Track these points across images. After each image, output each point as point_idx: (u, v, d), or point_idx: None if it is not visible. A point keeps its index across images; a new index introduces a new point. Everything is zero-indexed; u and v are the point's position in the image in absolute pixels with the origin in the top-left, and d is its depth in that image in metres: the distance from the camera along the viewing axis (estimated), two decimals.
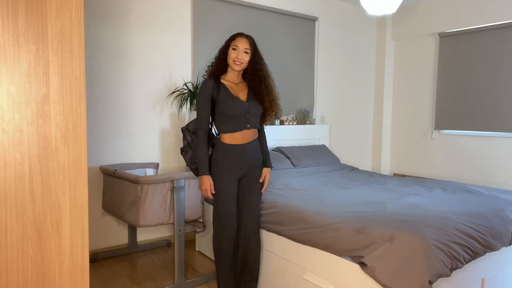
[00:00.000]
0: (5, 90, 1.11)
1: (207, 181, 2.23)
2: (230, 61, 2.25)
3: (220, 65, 2.30)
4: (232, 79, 2.32)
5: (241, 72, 2.33)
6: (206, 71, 2.37)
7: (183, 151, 2.39)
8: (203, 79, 2.36)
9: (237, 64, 2.23)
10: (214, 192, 2.27)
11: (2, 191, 1.12)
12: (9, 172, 1.13)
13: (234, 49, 2.24)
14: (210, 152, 2.31)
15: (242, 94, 2.31)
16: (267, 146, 2.47)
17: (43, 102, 1.16)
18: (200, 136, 2.23)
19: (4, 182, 1.12)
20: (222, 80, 2.31)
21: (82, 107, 1.23)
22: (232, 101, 2.24)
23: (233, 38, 2.28)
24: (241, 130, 2.26)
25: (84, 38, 1.21)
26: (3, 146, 1.11)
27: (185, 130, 2.38)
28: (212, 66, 2.33)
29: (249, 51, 2.25)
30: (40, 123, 1.16)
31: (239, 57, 2.22)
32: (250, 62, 2.28)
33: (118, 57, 3.30)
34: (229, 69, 2.31)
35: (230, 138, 2.27)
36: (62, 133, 1.20)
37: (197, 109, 2.26)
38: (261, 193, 2.43)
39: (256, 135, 2.38)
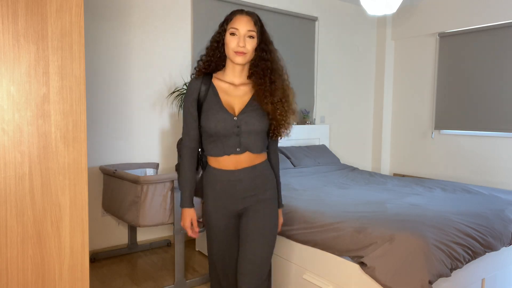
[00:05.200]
0: (5, 90, 1.11)
1: (188, 216, 1.70)
2: (229, 52, 1.60)
3: (213, 57, 1.67)
4: (231, 79, 1.67)
5: (246, 68, 1.67)
6: (195, 68, 1.73)
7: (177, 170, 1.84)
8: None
9: (239, 55, 1.58)
10: (198, 229, 1.75)
11: (2, 191, 1.12)
12: (9, 172, 1.12)
13: (232, 34, 1.58)
14: (200, 175, 1.77)
15: (240, 101, 1.66)
16: (278, 174, 1.82)
17: (43, 102, 1.16)
18: (184, 154, 1.69)
19: (4, 182, 1.12)
20: (215, 80, 1.68)
21: (82, 107, 1.23)
22: (215, 114, 1.61)
23: (230, 18, 1.61)
24: (228, 154, 1.63)
25: (84, 38, 1.21)
26: (3, 146, 1.11)
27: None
28: (201, 60, 1.71)
29: (254, 34, 1.59)
30: (40, 123, 1.16)
31: (241, 44, 1.56)
32: (255, 49, 1.63)
33: (118, 57, 3.30)
34: (229, 64, 1.65)
35: (216, 162, 1.67)
36: (62, 133, 1.20)
37: (183, 118, 1.71)
38: (272, 239, 1.72)
39: (262, 158, 1.71)
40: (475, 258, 2.03)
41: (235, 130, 1.61)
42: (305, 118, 4.42)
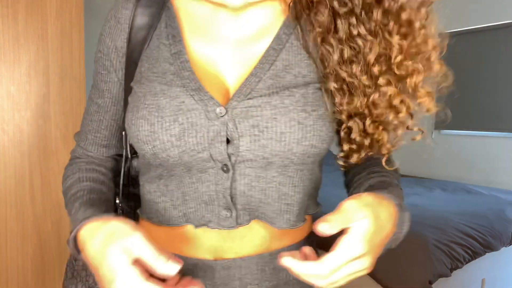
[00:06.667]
0: (5, 90, 1.11)
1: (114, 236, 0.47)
2: None
3: None
4: None
5: None
6: None
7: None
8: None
9: None
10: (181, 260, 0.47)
11: (2, 191, 1.12)
12: (9, 172, 1.12)
13: None
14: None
15: (243, 58, 0.54)
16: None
17: (43, 102, 1.16)
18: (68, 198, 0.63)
19: (4, 182, 1.12)
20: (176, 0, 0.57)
21: (82, 107, 1.23)
22: (158, 96, 0.52)
23: None
24: (196, 225, 0.55)
25: (84, 38, 1.21)
26: (3, 146, 1.11)
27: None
28: None
29: None
30: (40, 123, 1.16)
31: None
32: None
33: None
34: None
35: (164, 238, 0.57)
36: (62, 133, 1.20)
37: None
38: None
39: (303, 232, 0.65)
40: (475, 258, 2.03)
41: (218, 153, 0.52)
42: None
